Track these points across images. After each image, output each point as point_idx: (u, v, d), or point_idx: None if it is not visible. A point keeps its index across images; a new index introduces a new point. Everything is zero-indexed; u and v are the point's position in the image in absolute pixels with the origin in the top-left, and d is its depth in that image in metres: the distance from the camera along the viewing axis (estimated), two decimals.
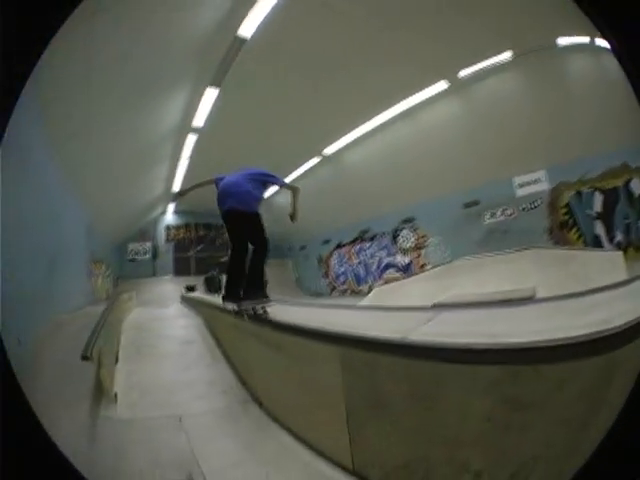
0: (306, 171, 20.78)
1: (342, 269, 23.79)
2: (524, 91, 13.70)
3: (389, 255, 20.96)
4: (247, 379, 6.55)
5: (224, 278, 6.72)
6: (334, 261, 24.41)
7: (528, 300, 4.10)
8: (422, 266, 18.88)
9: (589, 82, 12.23)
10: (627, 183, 13.15)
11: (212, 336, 9.30)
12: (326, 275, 25.14)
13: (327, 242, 24.75)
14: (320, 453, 4.13)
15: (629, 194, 13.10)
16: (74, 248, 13.00)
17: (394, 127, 16.32)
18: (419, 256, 19.45)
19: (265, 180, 6.59)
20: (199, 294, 17.61)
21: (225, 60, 11.32)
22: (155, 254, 26.56)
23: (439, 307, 4.91)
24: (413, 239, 19.74)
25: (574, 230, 14.59)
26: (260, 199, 6.56)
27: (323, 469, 3.89)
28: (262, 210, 6.40)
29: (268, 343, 5.39)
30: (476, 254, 13.45)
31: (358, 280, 22.69)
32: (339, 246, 23.84)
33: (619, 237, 13.38)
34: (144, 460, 4.43)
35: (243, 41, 10.64)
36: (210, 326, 9.86)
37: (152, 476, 4.12)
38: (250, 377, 6.45)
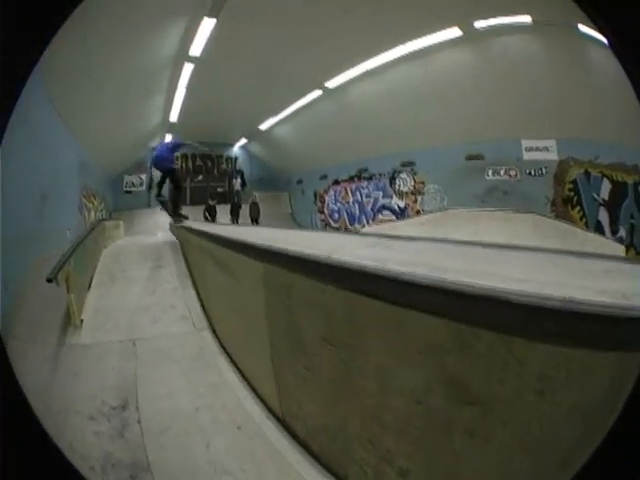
0: (308, 103, 19.99)
1: (337, 206, 23.38)
2: (545, 58, 12.87)
3: (385, 197, 20.48)
4: (207, 304, 6.63)
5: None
6: (329, 197, 23.93)
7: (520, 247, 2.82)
8: (417, 212, 18.45)
9: (615, 75, 11.41)
10: (636, 185, 12.69)
11: (185, 261, 9.38)
12: (321, 211, 24.73)
13: (324, 177, 24.05)
14: (254, 392, 4.14)
15: (637, 196, 12.68)
16: (66, 183, 12.92)
17: (403, 67, 15.54)
18: (415, 202, 18.95)
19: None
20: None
21: None
22: (150, 185, 26.41)
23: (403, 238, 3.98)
24: (411, 183, 19.18)
25: (577, 209, 14.10)
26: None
27: (253, 412, 3.89)
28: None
29: (218, 262, 5.40)
30: (473, 207, 13.28)
31: (352, 219, 22.32)
32: (336, 182, 23.22)
33: (622, 233, 12.95)
34: (93, 386, 4.58)
35: None
36: (184, 250, 9.90)
37: (95, 401, 4.23)
38: (208, 302, 6.53)
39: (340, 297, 2.32)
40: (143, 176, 26.69)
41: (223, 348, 5.33)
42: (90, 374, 4.88)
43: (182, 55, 14.79)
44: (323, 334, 2.62)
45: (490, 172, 15.90)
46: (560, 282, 1.59)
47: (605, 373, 1.45)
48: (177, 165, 10.08)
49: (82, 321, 6.15)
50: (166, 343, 5.66)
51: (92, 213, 18.00)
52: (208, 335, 5.88)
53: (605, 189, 13.42)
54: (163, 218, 20.26)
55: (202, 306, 6.78)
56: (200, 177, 28.35)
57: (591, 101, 12.09)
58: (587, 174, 13.81)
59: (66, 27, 6.27)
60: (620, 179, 13.03)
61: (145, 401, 4.21)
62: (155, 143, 26.70)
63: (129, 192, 26.39)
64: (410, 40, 13.81)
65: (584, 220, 13.84)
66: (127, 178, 26.39)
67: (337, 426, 2.66)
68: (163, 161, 12.52)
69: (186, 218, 12.00)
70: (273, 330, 3.44)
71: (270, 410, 3.76)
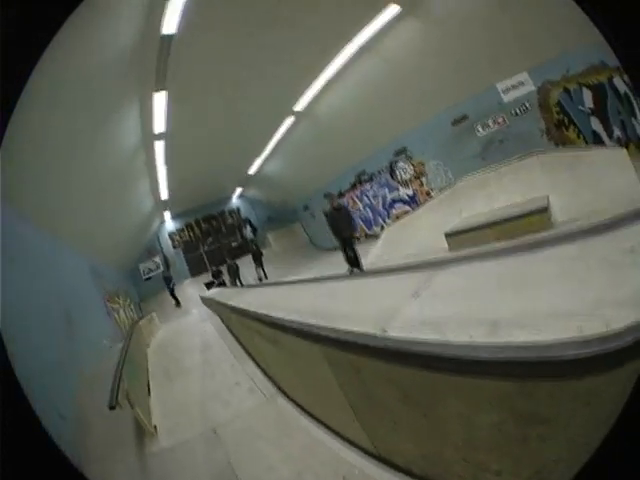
0: (285, 133, 20.06)
1: None
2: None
3: (392, 191, 20.33)
4: (269, 372, 6.54)
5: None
6: None
7: (543, 243, 2.90)
8: (427, 193, 18.36)
9: None
10: (610, 80, 12.50)
11: (231, 334, 9.33)
12: None
13: (327, 196, 24.19)
14: (347, 443, 4.01)
15: (615, 91, 12.47)
16: (85, 295, 13.03)
17: (359, 65, 15.43)
18: (422, 184, 18.76)
19: None
20: (216, 291, 17.78)
21: (160, 62, 10.99)
22: (167, 264, 26.72)
23: (437, 265, 3.93)
24: (411, 169, 19.01)
25: (571, 128, 13.78)
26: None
27: (353, 460, 3.75)
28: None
29: (267, 339, 5.34)
30: (477, 170, 13.15)
31: (368, 224, 22.19)
32: (340, 195, 23.04)
33: (617, 132, 12.71)
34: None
35: (170, 38, 10.25)
36: (227, 324, 9.86)
37: None
38: (271, 370, 6.42)
39: (409, 373, 2.35)
40: (156, 259, 27.07)
41: (302, 409, 5.17)
42: (183, 475, 4.86)
43: (148, 136, 14.96)
44: (401, 398, 2.62)
45: (479, 128, 15.59)
46: None
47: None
48: None
49: (155, 427, 6.09)
50: (245, 421, 5.58)
51: (121, 312, 18.14)
52: (282, 400, 5.74)
53: (587, 98, 13.21)
54: (191, 290, 20.46)
55: (265, 374, 6.68)
56: (210, 239, 28.68)
57: (540, 20, 11.89)
58: (567, 91, 13.58)
59: (28, 144, 7.08)
60: (596, 81, 12.85)
61: None
62: (156, 225, 27.24)
63: (149, 279, 26.73)
64: (355, 35, 13.72)
65: (581, 137, 13.58)
66: (142, 266, 26.81)
67: (433, 454, 2.73)
68: None
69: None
70: (350, 397, 3.37)
71: (367, 453, 3.65)
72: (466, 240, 7.40)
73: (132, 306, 21.23)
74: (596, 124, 13.15)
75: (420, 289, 3.06)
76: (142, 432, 5.95)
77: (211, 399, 6.67)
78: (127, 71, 10.67)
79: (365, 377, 2.90)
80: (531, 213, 7.51)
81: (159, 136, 15.27)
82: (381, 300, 3.35)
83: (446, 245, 8.54)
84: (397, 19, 13.28)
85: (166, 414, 6.61)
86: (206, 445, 5.29)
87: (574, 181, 8.85)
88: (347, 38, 13.75)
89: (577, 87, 13.30)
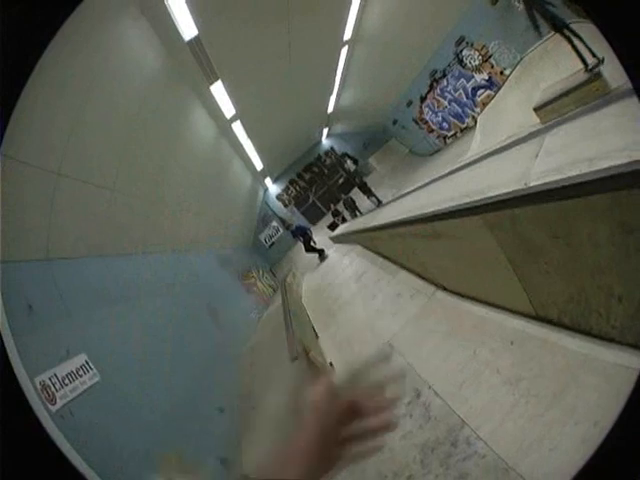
0: (345, 63, 19.75)
1: (439, 116, 22.67)
2: None
3: (468, 80, 19.68)
4: (425, 274, 6.83)
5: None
6: (428, 115, 23.19)
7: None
8: (501, 73, 17.68)
9: None
10: None
11: (378, 255, 9.52)
12: (430, 130, 23.93)
13: (410, 103, 23.61)
14: (510, 312, 4.44)
15: None
16: (222, 287, 14.00)
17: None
18: (492, 66, 18.11)
19: None
20: (343, 225, 18.27)
21: (201, 60, 11.13)
22: (286, 225, 27.45)
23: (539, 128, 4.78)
24: (477, 54, 18.41)
25: None
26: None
27: (516, 324, 4.19)
28: None
29: (425, 236, 5.67)
30: (535, 42, 12.62)
31: (459, 118, 21.60)
32: (423, 99, 22.62)
33: None
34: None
35: (197, 39, 10.18)
36: (371, 247, 10.13)
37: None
38: (426, 271, 6.74)
39: (551, 208, 2.99)
40: (274, 224, 28.04)
41: (462, 296, 5.52)
42: None
43: (224, 122, 15.45)
44: (550, 236, 3.17)
45: (517, 2, 14.92)
46: None
47: None
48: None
49: (331, 364, 6.34)
50: (413, 326, 5.92)
51: (258, 284, 19.21)
52: (443, 295, 6.02)
53: None
54: (319, 238, 21.03)
55: (422, 278, 6.90)
56: (316, 185, 29.10)
57: None
58: None
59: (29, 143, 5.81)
60: None
61: (430, 378, 4.53)
62: (261, 195, 28.05)
63: (273, 244, 27.68)
64: None
65: None
66: (262, 236, 27.69)
67: (577, 288, 3.26)
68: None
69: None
70: (509, 253, 3.88)
71: (528, 316, 4.14)
72: (553, 111, 7.35)
73: (266, 275, 22.36)
74: None
75: (538, 152, 3.85)
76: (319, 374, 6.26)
77: (378, 317, 6.96)
78: (172, 79, 10.72)
79: (521, 228, 3.46)
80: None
81: (233, 118, 15.71)
82: (508, 170, 4.02)
83: (538, 119, 8.50)
84: None
85: (339, 347, 6.95)
86: (384, 359, 5.58)
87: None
88: None
89: None
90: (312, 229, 21.52)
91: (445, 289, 6.08)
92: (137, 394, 5.73)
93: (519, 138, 5.05)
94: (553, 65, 10.30)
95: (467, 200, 4.05)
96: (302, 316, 9.15)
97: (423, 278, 6.85)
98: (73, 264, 6.30)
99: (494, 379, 3.83)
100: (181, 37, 9.67)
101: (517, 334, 4.07)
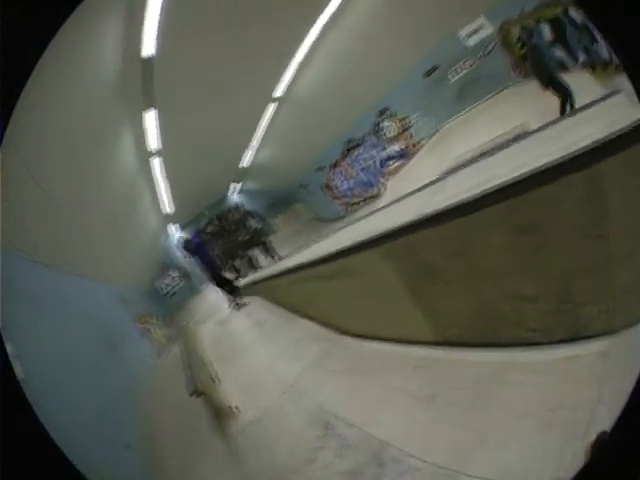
0: (270, 120, 20.27)
1: (347, 185, 23.72)
2: None
3: (381, 150, 20.97)
4: (323, 319, 7.08)
5: None
6: (336, 182, 24.20)
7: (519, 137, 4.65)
8: (414, 145, 19.09)
9: None
10: (566, 12, 13.14)
11: (277, 304, 9.58)
12: (335, 197, 24.84)
13: (321, 169, 24.47)
14: (411, 342, 4.75)
15: (572, 22, 13.05)
16: (118, 326, 13.15)
17: (326, 43, 15.81)
18: (409, 137, 19.53)
19: None
20: (243, 281, 18.17)
21: (145, 82, 11.29)
22: (185, 275, 26.88)
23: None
24: (395, 126, 19.80)
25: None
26: None
27: (419, 353, 4.52)
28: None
29: (327, 276, 5.97)
30: (457, 113, 13.78)
31: (366, 186, 22.62)
32: (333, 166, 23.66)
33: (582, 58, 13.19)
34: (291, 437, 4.85)
35: (151, 59, 10.52)
36: (271, 298, 10.20)
37: (306, 443, 4.49)
38: (324, 315, 7.01)
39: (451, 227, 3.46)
40: (173, 273, 27.09)
41: (365, 337, 5.77)
42: (279, 431, 5.15)
43: (145, 154, 15.31)
44: (451, 253, 3.65)
45: (450, 74, 16.62)
46: None
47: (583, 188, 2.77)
48: None
49: (237, 408, 6.23)
50: (316, 368, 6.07)
51: (156, 331, 18.43)
52: (346, 339, 6.21)
53: (546, 31, 13.82)
54: (213, 295, 20.62)
55: (322, 324, 7.06)
56: (215, 243, 28.84)
57: None
58: (525, 28, 14.32)
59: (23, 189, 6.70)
60: (551, 15, 13.53)
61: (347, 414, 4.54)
62: (163, 239, 27.41)
63: (169, 294, 26.58)
64: (318, 16, 14.31)
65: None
66: (159, 284, 26.47)
67: (483, 302, 3.71)
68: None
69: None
70: (410, 280, 4.34)
71: (431, 343, 4.50)
72: None
73: (160, 323, 21.36)
74: (559, 52, 13.58)
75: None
76: (223, 419, 6.09)
77: (279, 361, 7.08)
78: (114, 95, 10.89)
79: (421, 252, 3.90)
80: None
81: (155, 153, 15.60)
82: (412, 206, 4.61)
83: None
84: None
85: (241, 392, 6.84)
86: (289, 401, 5.63)
87: (545, 105, 9.53)
88: (311, 20, 14.34)
89: (534, 23, 13.94)
90: None
91: (345, 333, 6.31)
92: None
93: (424, 184, 5.83)
94: (472, 135, 11.23)
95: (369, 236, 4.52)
96: (201, 361, 9.05)
97: (323, 323, 7.07)
98: None
99: (407, 401, 4.02)
100: (140, 50, 9.98)
101: (423, 360, 4.38)
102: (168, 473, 5.47)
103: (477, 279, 3.53)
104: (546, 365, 3.26)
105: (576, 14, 12.79)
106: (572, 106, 8.76)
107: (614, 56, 11.33)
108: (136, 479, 4.94)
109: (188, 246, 18.15)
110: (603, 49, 11.90)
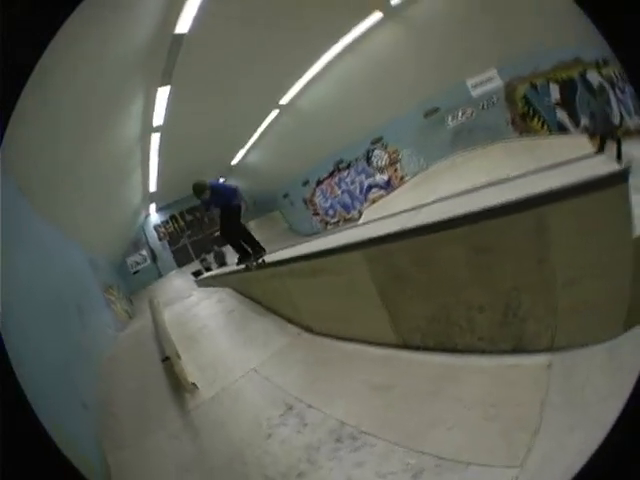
0: (268, 125, 21.08)
1: (328, 203, 24.43)
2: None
3: (368, 177, 21.62)
4: (292, 316, 7.54)
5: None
6: (319, 198, 24.93)
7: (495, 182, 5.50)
8: (401, 178, 19.69)
9: None
10: (583, 75, 13.43)
11: (247, 297, 9.90)
12: (316, 213, 25.66)
13: (306, 183, 25.19)
14: (372, 343, 5.34)
15: (587, 85, 13.41)
16: (89, 286, 13.48)
17: (342, 63, 16.60)
18: (396, 170, 20.18)
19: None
20: (215, 271, 18.28)
21: (169, 59, 11.68)
22: (154, 257, 26.90)
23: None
24: (386, 156, 20.43)
25: (536, 119, 15.17)
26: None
27: (383, 353, 5.05)
28: None
29: (303, 275, 6.57)
30: (447, 156, 14.36)
31: (346, 208, 23.37)
32: (319, 183, 24.37)
33: (584, 122, 13.74)
34: (249, 415, 5.12)
35: (181, 37, 10.96)
36: (242, 290, 10.45)
37: (265, 420, 4.75)
38: (294, 312, 7.44)
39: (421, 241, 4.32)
40: (143, 252, 27.34)
41: (327, 335, 6.33)
42: (237, 410, 5.36)
43: (147, 128, 15.58)
44: (412, 262, 4.43)
45: (449, 119, 17.28)
46: None
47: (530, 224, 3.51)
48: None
49: (194, 384, 6.26)
50: (279, 357, 6.46)
51: (117, 304, 18.41)
52: (309, 335, 6.75)
53: (554, 91, 14.39)
54: (179, 282, 20.62)
55: (289, 320, 7.51)
56: (189, 232, 29.04)
57: (518, 11, 12.66)
58: (534, 86, 14.85)
59: (29, 130, 6.76)
60: (565, 77, 13.90)
61: (307, 397, 4.91)
62: (142, 218, 27.51)
63: (137, 272, 26.84)
64: (341, 36, 14.86)
65: (545, 127, 14.93)
66: (130, 260, 26.85)
67: (439, 305, 4.38)
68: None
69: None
70: (380, 282, 5.00)
71: (393, 345, 5.10)
72: None
73: (124, 299, 21.16)
74: (561, 114, 14.32)
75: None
76: (180, 394, 6.19)
77: (244, 347, 7.34)
78: (138, 65, 11.21)
79: (394, 259, 4.62)
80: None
81: (156, 128, 15.92)
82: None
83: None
84: (379, 24, 14.59)
85: (202, 370, 6.94)
86: (251, 383, 5.89)
87: (532, 162, 10.16)
88: (334, 39, 14.85)
89: (544, 82, 14.44)
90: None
91: (312, 331, 6.77)
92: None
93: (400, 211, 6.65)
94: (457, 178, 11.88)
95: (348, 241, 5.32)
96: (166, 335, 9.15)
97: (291, 321, 7.50)
98: None
99: (366, 390, 4.47)
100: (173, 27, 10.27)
101: (385, 360, 4.89)
102: (121, 438, 5.51)
103: (437, 288, 4.25)
104: (493, 369, 3.82)
105: (594, 76, 13.07)
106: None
107: (624, 122, 12.24)
108: (89, 439, 4.98)
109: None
110: (616, 115, 12.46)
